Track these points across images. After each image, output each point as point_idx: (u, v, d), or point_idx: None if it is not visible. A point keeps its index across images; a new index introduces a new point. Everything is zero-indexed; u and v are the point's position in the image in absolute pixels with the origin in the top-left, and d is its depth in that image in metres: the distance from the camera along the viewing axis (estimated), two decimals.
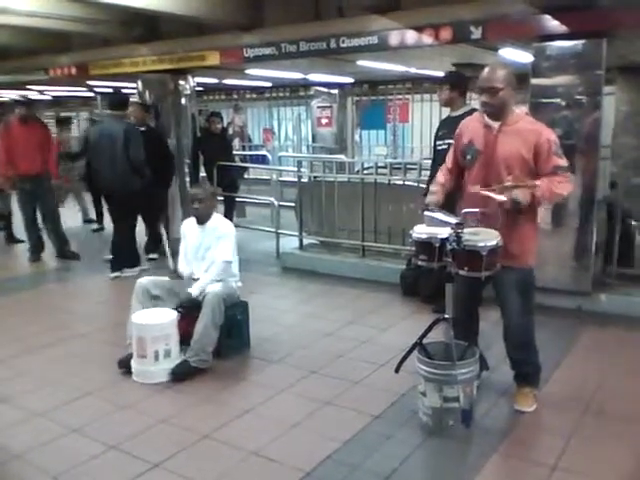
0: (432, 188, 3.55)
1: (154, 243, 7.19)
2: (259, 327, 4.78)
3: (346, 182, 6.93)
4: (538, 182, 3.22)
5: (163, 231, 6.70)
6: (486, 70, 3.32)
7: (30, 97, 8.82)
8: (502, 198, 3.19)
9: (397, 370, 3.45)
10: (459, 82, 4.98)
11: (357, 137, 14.14)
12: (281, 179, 9.27)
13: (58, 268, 7.40)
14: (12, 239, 8.66)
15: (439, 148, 4.90)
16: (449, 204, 3.55)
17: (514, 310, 3.43)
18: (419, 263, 3.34)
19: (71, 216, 9.12)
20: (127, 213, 6.56)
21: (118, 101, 6.84)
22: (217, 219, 4.52)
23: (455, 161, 3.57)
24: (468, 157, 3.43)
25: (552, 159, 3.25)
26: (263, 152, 13.41)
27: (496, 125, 3.35)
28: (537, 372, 3.61)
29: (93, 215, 9.34)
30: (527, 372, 3.58)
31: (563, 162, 3.29)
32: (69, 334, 4.99)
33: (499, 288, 3.44)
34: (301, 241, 7.26)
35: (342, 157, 10.53)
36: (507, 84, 3.27)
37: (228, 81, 12.15)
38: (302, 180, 7.46)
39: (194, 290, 4.24)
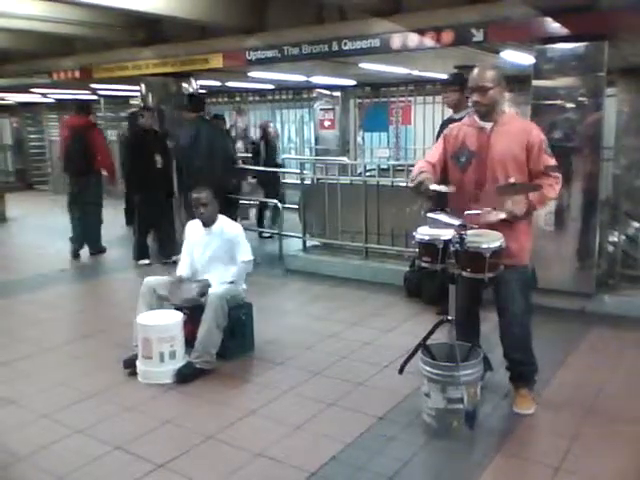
0: (420, 169, 3.41)
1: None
2: (263, 329, 4.80)
3: (349, 184, 6.95)
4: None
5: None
6: (476, 70, 3.39)
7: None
8: (502, 216, 3.23)
9: (401, 371, 3.46)
10: (466, 83, 5.01)
11: (360, 139, 14.14)
12: (284, 181, 9.28)
13: (77, 268, 7.52)
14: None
15: None
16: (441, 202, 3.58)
17: (517, 309, 3.43)
18: (422, 265, 3.35)
19: None
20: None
21: (199, 103, 7.12)
22: (223, 221, 4.55)
23: (440, 161, 3.51)
24: (462, 159, 3.43)
25: (543, 158, 3.31)
26: None
27: (488, 126, 3.38)
28: (534, 372, 3.61)
29: None
30: (525, 372, 3.58)
31: (553, 161, 3.34)
32: (75, 334, 5.02)
33: (501, 287, 3.44)
34: (304, 243, 7.28)
35: (345, 159, 10.55)
36: (496, 84, 3.32)
37: (231, 84, 12.17)
38: (305, 182, 7.48)
39: (217, 286, 4.28)
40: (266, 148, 8.74)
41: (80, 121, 8.03)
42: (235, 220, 7.28)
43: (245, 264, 4.45)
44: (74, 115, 8.15)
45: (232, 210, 7.41)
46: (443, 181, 3.51)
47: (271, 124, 9.82)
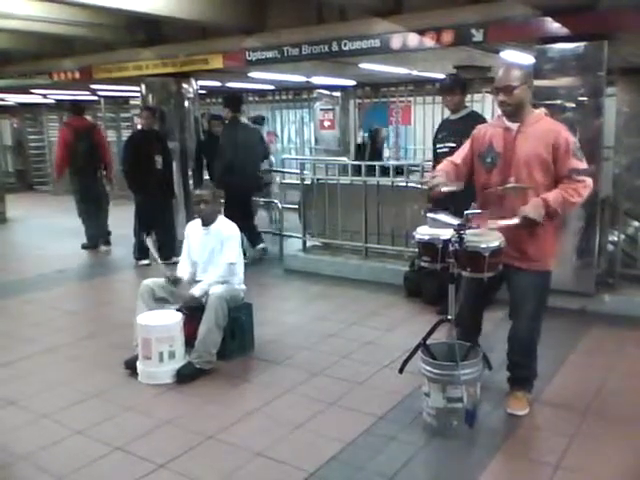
0: (435, 173, 3.46)
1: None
2: (263, 329, 4.80)
3: (349, 184, 6.95)
4: (551, 194, 3.19)
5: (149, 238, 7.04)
6: (501, 70, 3.33)
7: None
8: (515, 221, 3.17)
9: (401, 371, 3.46)
10: (464, 85, 5.03)
11: (360, 139, 14.13)
12: (284, 181, 9.29)
13: (76, 268, 7.55)
14: None
15: (439, 151, 4.92)
16: (456, 203, 3.57)
17: (527, 314, 3.41)
18: (422, 264, 3.36)
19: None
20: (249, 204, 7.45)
21: (240, 103, 7.42)
22: (221, 221, 4.54)
23: (466, 161, 3.51)
24: (488, 160, 3.38)
25: (569, 161, 3.20)
26: None
27: (515, 126, 3.32)
28: (533, 378, 3.60)
29: None
30: (525, 376, 3.57)
31: (582, 165, 3.23)
32: (75, 335, 5.02)
33: (514, 291, 3.42)
34: (304, 243, 7.28)
35: (345, 159, 10.54)
36: (522, 83, 3.25)
37: (231, 84, 12.17)
38: (305, 182, 7.48)
39: (196, 290, 4.27)
40: (371, 151, 8.63)
41: (84, 122, 8.41)
42: (252, 218, 7.39)
43: (227, 266, 4.35)
44: (75, 117, 8.39)
45: (250, 210, 7.56)
46: (469, 182, 3.50)
47: (384, 130, 9.31)
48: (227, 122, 7.33)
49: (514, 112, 3.30)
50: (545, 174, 3.25)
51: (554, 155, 3.22)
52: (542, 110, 3.42)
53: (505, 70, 3.31)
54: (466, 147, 3.55)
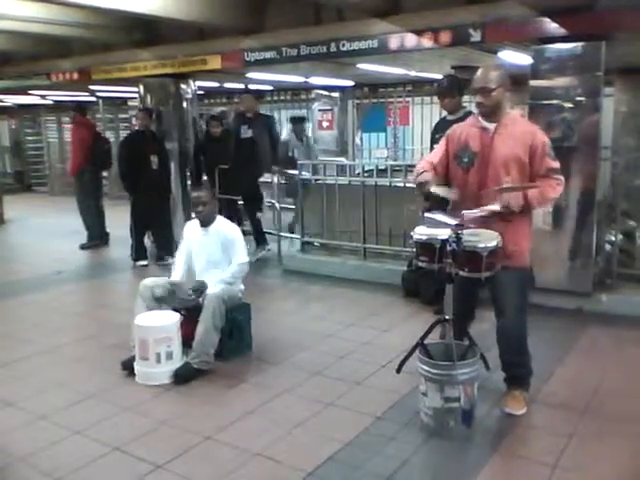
0: (421, 168, 3.47)
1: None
2: (261, 329, 4.80)
3: (347, 184, 6.95)
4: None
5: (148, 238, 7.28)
6: (479, 71, 3.39)
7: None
8: (496, 208, 3.24)
9: (398, 371, 3.46)
10: (461, 86, 5.04)
11: (358, 140, 14.13)
12: (282, 182, 9.28)
13: (74, 269, 7.53)
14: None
15: None
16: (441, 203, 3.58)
17: (511, 311, 3.43)
18: (420, 264, 3.36)
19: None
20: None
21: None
22: (220, 222, 4.54)
23: (442, 161, 3.52)
24: (464, 160, 3.42)
25: (546, 161, 3.31)
26: None
27: (492, 127, 3.37)
28: (528, 375, 3.61)
29: None
30: (520, 375, 3.58)
31: (556, 164, 3.35)
32: (73, 336, 5.02)
33: (497, 288, 3.44)
34: (302, 243, 7.28)
35: (343, 160, 10.54)
36: (500, 85, 3.31)
37: (229, 85, 12.17)
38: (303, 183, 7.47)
39: (214, 287, 4.29)
40: None
41: (91, 122, 8.91)
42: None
43: (240, 266, 4.43)
44: (83, 116, 8.71)
45: (258, 204, 7.72)
46: (445, 181, 3.52)
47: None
48: (260, 116, 7.80)
49: (491, 113, 3.37)
50: (521, 174, 3.33)
51: (531, 156, 3.31)
52: (518, 111, 3.47)
53: (483, 72, 3.37)
54: (442, 147, 3.58)
